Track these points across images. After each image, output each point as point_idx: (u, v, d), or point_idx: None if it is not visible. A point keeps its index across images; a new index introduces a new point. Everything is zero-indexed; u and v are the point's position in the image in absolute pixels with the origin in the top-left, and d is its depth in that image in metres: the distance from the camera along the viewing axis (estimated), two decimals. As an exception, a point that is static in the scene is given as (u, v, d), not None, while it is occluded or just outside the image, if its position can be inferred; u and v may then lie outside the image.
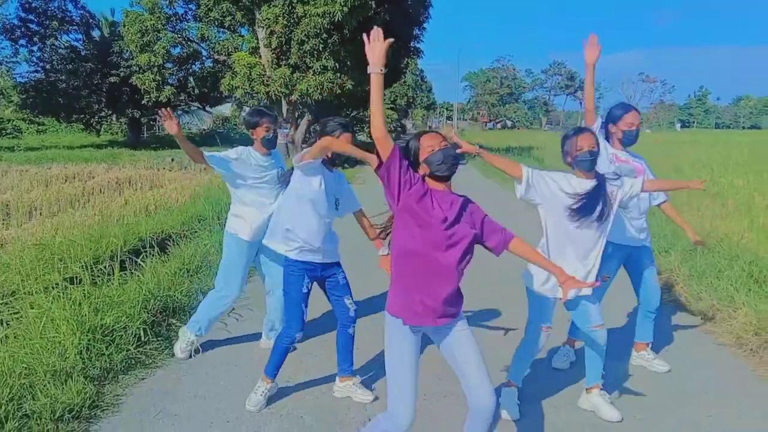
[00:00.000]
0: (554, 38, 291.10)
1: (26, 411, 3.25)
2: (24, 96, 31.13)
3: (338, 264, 3.72)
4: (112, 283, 4.93)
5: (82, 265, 5.01)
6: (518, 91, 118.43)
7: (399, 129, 66.44)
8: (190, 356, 4.41)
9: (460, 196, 2.65)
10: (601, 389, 3.61)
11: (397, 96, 62.05)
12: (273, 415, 3.57)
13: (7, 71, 32.85)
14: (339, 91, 19.94)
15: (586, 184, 3.24)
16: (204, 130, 45.22)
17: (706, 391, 3.89)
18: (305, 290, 3.56)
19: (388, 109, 57.11)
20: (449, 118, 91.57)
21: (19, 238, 7.40)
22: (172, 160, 21.21)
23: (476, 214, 2.65)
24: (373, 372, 4.13)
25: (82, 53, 31.07)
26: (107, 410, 3.59)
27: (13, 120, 38.42)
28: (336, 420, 3.51)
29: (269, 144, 4.12)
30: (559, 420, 3.52)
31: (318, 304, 4.31)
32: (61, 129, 43.02)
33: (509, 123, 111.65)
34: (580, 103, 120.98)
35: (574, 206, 3.20)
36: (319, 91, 19.58)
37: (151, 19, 23.22)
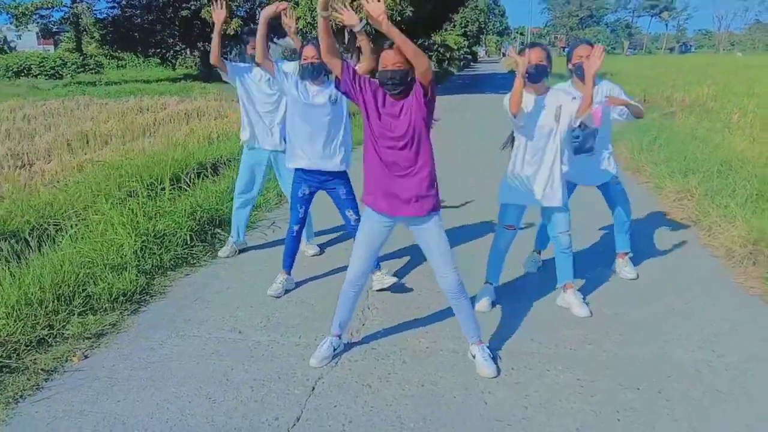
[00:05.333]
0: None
1: (89, 293, 4.02)
2: (103, 32, 32.61)
3: (341, 176, 4.15)
4: (164, 197, 5.67)
5: (138, 182, 5.78)
6: (599, 13, 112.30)
7: (469, 56, 64.90)
8: (228, 256, 5.13)
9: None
10: (576, 290, 4.04)
11: (468, 21, 60.22)
12: (288, 302, 4.23)
13: (88, 8, 34.39)
14: (399, 18, 19.93)
15: (531, 99, 3.64)
16: (274, 61, 45.85)
17: (681, 293, 4.24)
18: (300, 194, 4.18)
19: (458, 35, 55.68)
20: (523, 43, 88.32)
21: (94, 162, 8.32)
22: (240, 91, 21.95)
23: (414, 93, 2.90)
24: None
25: (155, -13, 31.97)
26: (155, 296, 4.35)
27: (96, 56, 40.30)
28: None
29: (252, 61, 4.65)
30: (536, 314, 3.99)
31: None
32: (139, 64, 44.84)
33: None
34: (666, 24, 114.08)
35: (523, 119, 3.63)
36: (378, 19, 19.63)
37: (216, -49, 23.60)
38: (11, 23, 36.61)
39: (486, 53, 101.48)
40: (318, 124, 3.98)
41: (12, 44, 54.83)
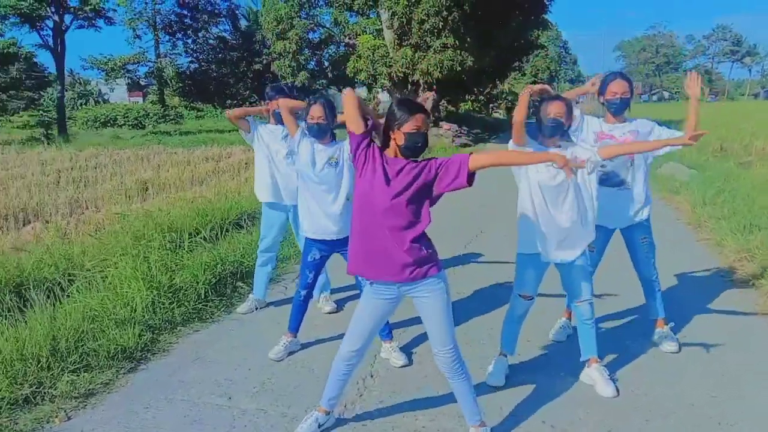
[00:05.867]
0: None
1: (86, 349, 3.93)
2: (182, 85, 34.45)
3: None
4: (185, 249, 5.63)
5: (159, 234, 5.78)
6: (677, 59, 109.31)
7: (538, 103, 63.92)
8: (247, 313, 4.97)
9: (421, 161, 2.74)
10: (602, 365, 3.61)
11: (538, 70, 59.95)
12: (288, 365, 4.00)
13: (170, 62, 36.53)
14: (459, 68, 19.91)
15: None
16: (341, 112, 46.97)
17: (728, 372, 3.72)
18: (310, 259, 3.97)
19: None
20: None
21: (140, 210, 8.48)
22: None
23: (433, 167, 2.69)
24: (412, 341, 4.38)
25: (229, 43, 33.68)
26: (157, 353, 4.21)
27: (177, 107, 42.47)
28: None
29: (278, 118, 4.56)
30: (554, 391, 3.57)
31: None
32: (217, 114, 46.91)
33: (666, 94, 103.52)
34: (749, 69, 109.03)
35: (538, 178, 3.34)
36: (439, 69, 19.70)
37: (285, 7, 24.58)
38: (102, 78, 39.30)
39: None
40: (322, 188, 3.84)
41: (105, 96, 58.70)
